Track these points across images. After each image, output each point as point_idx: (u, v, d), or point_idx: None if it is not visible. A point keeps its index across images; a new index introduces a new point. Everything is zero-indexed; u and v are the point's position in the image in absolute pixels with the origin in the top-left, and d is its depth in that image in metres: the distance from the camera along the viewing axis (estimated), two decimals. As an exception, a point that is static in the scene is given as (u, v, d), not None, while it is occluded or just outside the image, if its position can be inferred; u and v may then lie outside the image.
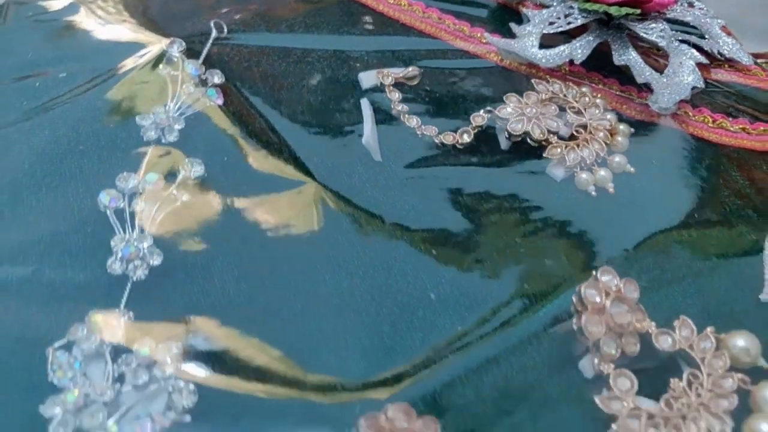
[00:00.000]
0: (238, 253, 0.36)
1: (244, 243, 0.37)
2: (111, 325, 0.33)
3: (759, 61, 0.55)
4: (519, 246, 0.38)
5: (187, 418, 0.30)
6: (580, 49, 0.48)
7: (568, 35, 0.49)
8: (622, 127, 0.46)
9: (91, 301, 0.34)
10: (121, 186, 0.38)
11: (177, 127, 0.42)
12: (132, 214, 0.37)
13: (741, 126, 0.47)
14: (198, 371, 0.32)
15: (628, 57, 0.48)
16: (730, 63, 0.52)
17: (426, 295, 0.35)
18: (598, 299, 0.34)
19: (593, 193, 0.43)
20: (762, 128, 0.47)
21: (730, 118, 0.47)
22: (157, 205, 0.38)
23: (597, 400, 0.33)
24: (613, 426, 0.32)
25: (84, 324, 0.33)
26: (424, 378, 0.33)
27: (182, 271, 0.36)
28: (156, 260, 0.36)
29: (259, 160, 0.41)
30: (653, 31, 0.48)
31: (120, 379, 0.31)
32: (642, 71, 0.47)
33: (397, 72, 0.48)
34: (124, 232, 0.36)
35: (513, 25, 0.50)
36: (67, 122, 0.42)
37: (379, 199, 0.40)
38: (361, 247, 0.37)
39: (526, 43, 0.48)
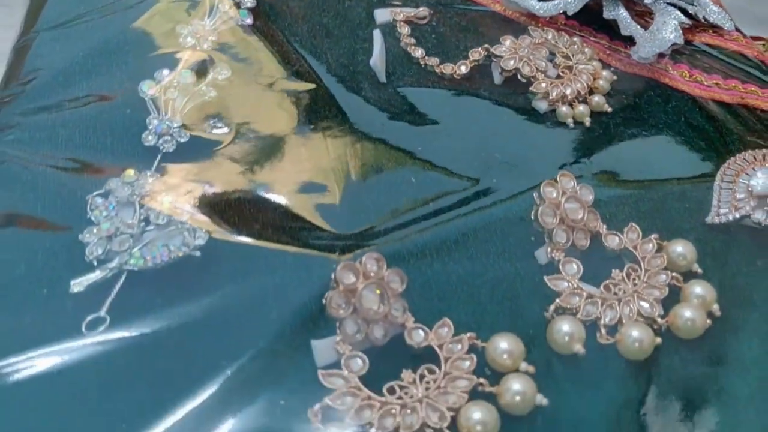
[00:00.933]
0: (253, 141, 0.43)
1: (258, 133, 0.43)
2: (141, 181, 0.39)
3: (758, 43, 0.60)
4: (496, 156, 0.44)
5: (197, 253, 0.36)
6: (573, 3, 0.53)
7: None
8: (605, 73, 0.51)
9: (127, 164, 0.40)
10: (159, 79, 0.45)
11: (211, 38, 0.48)
12: (166, 102, 0.44)
13: (714, 81, 0.52)
14: (210, 221, 0.38)
15: (617, 12, 0.53)
16: (714, 29, 0.57)
17: (408, 179, 0.41)
18: (554, 195, 0.40)
19: (570, 124, 0.48)
20: (733, 84, 0.52)
21: (706, 74, 0.52)
22: (187, 97, 0.44)
23: (546, 278, 0.39)
24: (557, 300, 0.38)
25: (119, 179, 0.39)
26: (398, 245, 0.39)
27: (205, 148, 0.42)
28: (183, 138, 0.42)
29: (278, 73, 0.47)
30: (641, -10, 0.53)
31: (145, 220, 0.38)
32: (628, 25, 0.52)
33: (409, 11, 0.53)
34: (159, 114, 0.43)
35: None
36: (117, 27, 0.48)
37: (377, 113, 0.46)
38: (359, 145, 0.44)
39: (527, -6, 0.54)
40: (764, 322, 0.39)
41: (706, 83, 0.52)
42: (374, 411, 0.33)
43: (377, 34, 0.50)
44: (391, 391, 0.34)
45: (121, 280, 0.35)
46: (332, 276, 0.35)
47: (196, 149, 0.42)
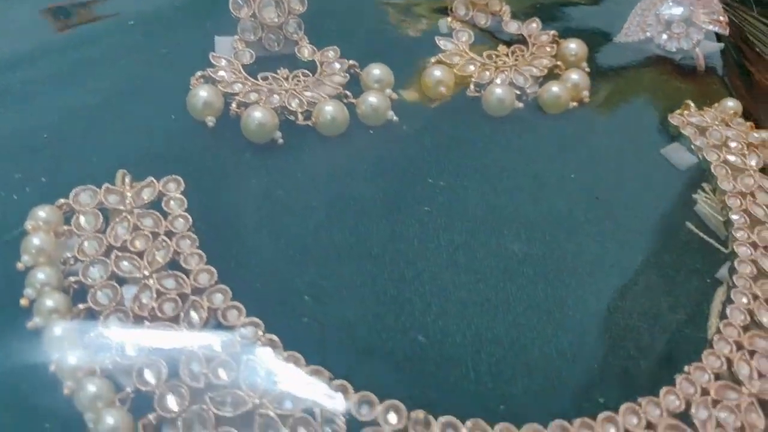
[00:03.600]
0: None
1: None
2: None
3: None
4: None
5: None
6: None
7: None
8: None
9: None
10: None
11: None
12: None
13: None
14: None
15: None
16: None
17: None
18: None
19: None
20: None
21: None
22: None
23: (436, 37, 0.44)
24: (439, 54, 0.43)
25: None
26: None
27: None
28: None
29: None
30: None
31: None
32: None
33: None
34: None
35: None
36: None
37: None
38: None
39: None
40: (631, 123, 0.43)
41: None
42: (245, 86, 0.39)
43: None
44: (264, 78, 0.40)
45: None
46: (242, -18, 0.41)
47: None
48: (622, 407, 0.30)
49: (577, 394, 0.31)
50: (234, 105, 0.38)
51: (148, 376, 0.27)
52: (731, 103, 0.44)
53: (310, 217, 0.35)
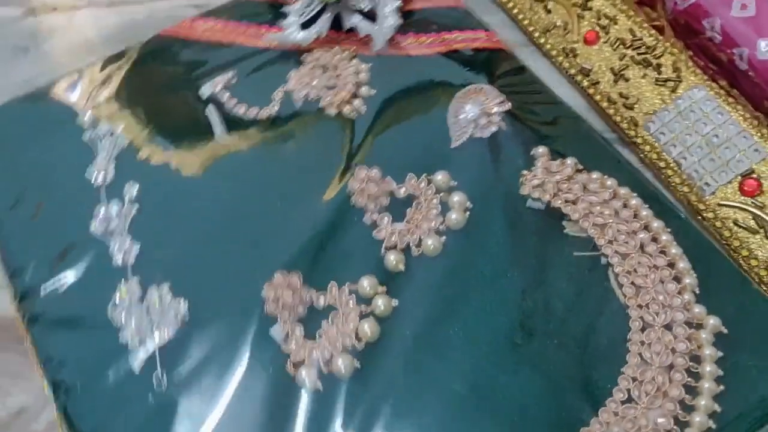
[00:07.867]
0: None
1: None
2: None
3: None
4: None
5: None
6: (323, 25, 0.77)
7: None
8: (363, 66, 0.76)
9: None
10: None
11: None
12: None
13: (431, 39, 0.78)
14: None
15: (351, 21, 0.77)
16: (424, -6, 0.81)
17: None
18: (357, 186, 0.67)
19: (354, 116, 0.74)
20: (443, 37, 0.78)
21: (424, 34, 0.78)
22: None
23: (373, 232, 0.66)
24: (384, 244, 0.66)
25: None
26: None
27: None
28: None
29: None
30: (362, 2, 0.77)
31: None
32: (364, 28, 0.77)
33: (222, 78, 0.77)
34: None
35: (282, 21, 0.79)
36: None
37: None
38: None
39: (290, 32, 0.77)
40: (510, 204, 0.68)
41: (427, 41, 0.78)
42: (313, 352, 0.61)
43: (211, 111, 0.74)
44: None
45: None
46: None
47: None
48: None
49: None
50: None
51: None
52: (541, 149, 0.70)
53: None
